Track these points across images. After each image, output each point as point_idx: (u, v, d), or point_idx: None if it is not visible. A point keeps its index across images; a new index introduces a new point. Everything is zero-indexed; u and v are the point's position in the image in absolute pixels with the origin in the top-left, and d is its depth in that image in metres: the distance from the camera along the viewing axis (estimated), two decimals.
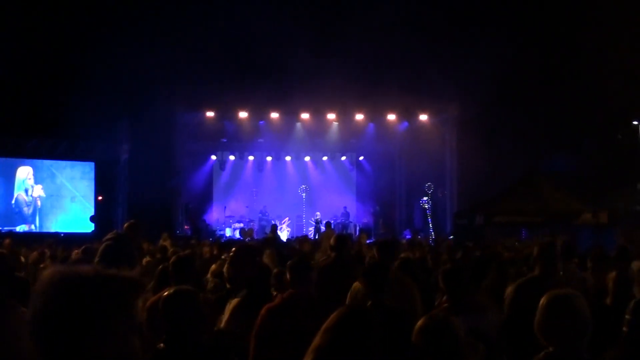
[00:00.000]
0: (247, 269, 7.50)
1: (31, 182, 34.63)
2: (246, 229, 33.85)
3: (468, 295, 7.60)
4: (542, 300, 4.75)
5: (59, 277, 2.59)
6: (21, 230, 33.32)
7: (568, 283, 7.57)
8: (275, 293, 9.17)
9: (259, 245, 15.94)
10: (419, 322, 4.29)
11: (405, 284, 8.71)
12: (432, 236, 33.02)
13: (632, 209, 30.51)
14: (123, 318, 2.60)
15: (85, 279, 2.57)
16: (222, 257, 11.64)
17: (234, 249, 7.89)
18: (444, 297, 7.77)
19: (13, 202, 34.30)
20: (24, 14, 31.07)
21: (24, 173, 34.50)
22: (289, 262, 7.45)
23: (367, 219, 39.47)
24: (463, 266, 10.94)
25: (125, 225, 11.31)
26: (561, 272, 8.95)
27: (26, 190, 34.51)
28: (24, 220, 34.27)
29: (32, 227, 34.27)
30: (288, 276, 7.24)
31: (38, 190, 34.72)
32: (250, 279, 7.49)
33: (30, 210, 34.54)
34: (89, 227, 34.17)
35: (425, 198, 35.88)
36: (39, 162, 34.90)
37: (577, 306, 4.65)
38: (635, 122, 34.76)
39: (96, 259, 9.77)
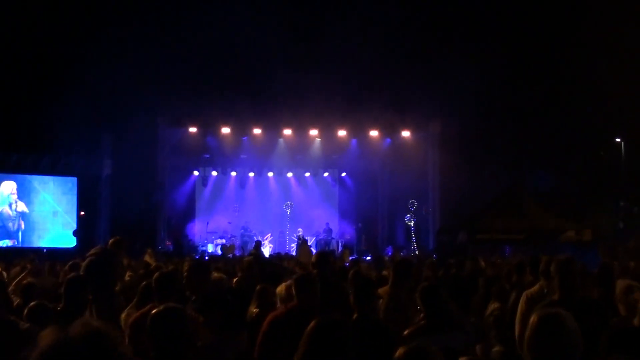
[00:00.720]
0: (201, 286, 7.43)
1: (15, 197, 34.44)
2: (227, 245, 33.77)
3: (445, 313, 7.59)
4: (532, 319, 4.72)
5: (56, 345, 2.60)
6: (4, 246, 33.10)
7: (590, 307, 7.46)
8: (255, 310, 9.15)
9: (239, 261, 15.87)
10: (399, 351, 4.26)
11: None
12: (415, 253, 33.03)
13: (616, 226, 30.65)
14: None
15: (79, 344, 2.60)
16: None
17: (186, 267, 7.88)
18: (421, 315, 7.74)
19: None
20: (5, 29, 30.97)
21: (8, 188, 34.32)
22: (295, 276, 7.52)
23: (349, 236, 39.43)
24: (445, 284, 10.93)
25: (110, 241, 11.27)
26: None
27: (10, 205, 34.31)
28: (8, 235, 34.06)
29: (15, 242, 34.05)
30: (293, 289, 7.38)
31: (21, 206, 34.52)
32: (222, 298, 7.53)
33: (15, 226, 34.34)
34: (72, 242, 34.02)
35: (409, 215, 35.88)
36: (21, 177, 34.75)
37: (568, 325, 4.62)
38: (618, 140, 34.93)
39: (81, 272, 9.71)
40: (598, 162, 35.27)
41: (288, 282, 8.73)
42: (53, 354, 2.57)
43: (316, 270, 10.10)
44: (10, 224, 34.27)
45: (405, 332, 7.53)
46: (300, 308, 7.13)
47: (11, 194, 34.37)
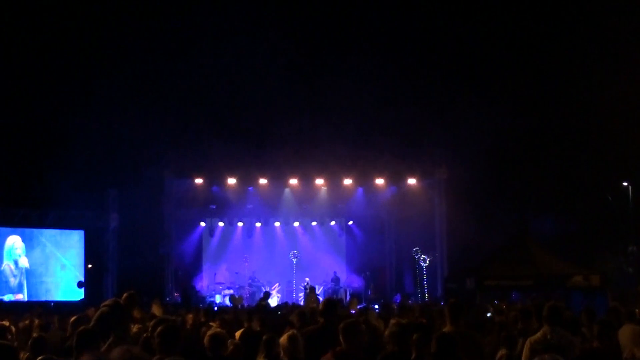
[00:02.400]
0: (172, 348, 7.36)
1: (19, 251, 34.36)
2: (236, 296, 33.66)
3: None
4: None
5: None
6: (8, 300, 32.98)
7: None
8: (260, 357, 9.17)
9: (248, 312, 15.84)
10: None
11: None
12: (426, 299, 32.95)
13: (624, 271, 30.53)
14: None
15: None
16: (210, 323, 11.54)
17: (158, 330, 7.81)
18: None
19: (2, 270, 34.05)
20: (10, 83, 31.19)
21: (11, 243, 34.24)
22: (341, 324, 7.77)
23: (357, 284, 39.26)
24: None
25: (124, 295, 11.27)
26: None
27: (15, 262, 34.23)
28: (10, 290, 33.93)
29: (20, 296, 33.91)
30: (340, 337, 7.61)
31: (24, 262, 34.42)
32: None
33: (17, 281, 34.22)
34: (79, 295, 33.95)
35: (424, 256, 35.78)
36: (28, 231, 34.72)
37: None
38: (625, 183, 34.84)
39: (92, 323, 9.71)
40: (606, 206, 35.17)
41: (289, 333, 8.72)
42: None
43: (323, 319, 10.08)
44: (12, 279, 34.14)
45: None
46: (345, 354, 7.46)
47: (15, 249, 34.30)
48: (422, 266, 35.99)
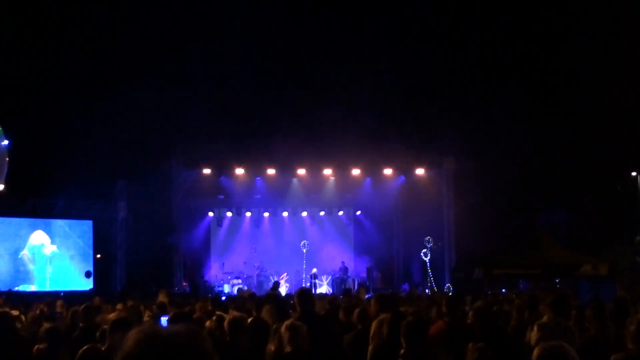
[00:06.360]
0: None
1: (41, 242, 34.48)
2: (244, 289, 33.71)
3: (427, 352, 7.55)
4: (535, 352, 4.77)
5: (145, 337, 2.59)
6: (23, 290, 33.03)
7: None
8: (272, 347, 9.19)
9: (260, 300, 15.88)
10: None
11: None
12: (434, 289, 32.95)
13: (633, 261, 30.49)
14: None
15: (171, 340, 2.58)
16: (217, 313, 11.55)
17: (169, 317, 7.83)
18: (402, 351, 7.71)
19: (19, 259, 34.13)
20: (18, 73, 31.22)
21: (39, 239, 34.40)
22: (404, 322, 7.62)
23: (365, 274, 39.26)
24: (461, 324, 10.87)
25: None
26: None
27: (34, 251, 34.33)
28: (25, 280, 34.00)
29: (32, 287, 33.97)
30: (403, 340, 7.55)
31: (48, 250, 34.59)
32: None
33: (34, 269, 34.36)
34: (87, 285, 34.04)
35: (425, 250, 35.74)
36: (37, 221, 34.81)
37: (570, 357, 4.67)
38: (634, 173, 34.74)
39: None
40: (614, 196, 35.11)
41: (288, 322, 8.75)
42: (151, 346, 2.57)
43: (300, 309, 10.14)
44: (31, 266, 34.28)
45: None
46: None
47: (39, 241, 34.44)
48: (425, 259, 35.92)
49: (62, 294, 31.16)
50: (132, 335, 2.62)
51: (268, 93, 33.55)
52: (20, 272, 34.04)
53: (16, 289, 32.53)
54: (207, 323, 11.36)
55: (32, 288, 33.56)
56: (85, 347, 7.75)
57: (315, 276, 36.75)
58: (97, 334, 9.44)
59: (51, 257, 34.80)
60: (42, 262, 34.60)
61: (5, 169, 21.83)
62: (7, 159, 21.87)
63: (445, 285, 34.56)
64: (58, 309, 17.19)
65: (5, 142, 21.62)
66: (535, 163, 33.96)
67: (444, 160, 36.01)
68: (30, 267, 34.36)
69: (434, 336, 10.55)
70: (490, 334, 10.69)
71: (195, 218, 39.37)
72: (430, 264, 35.81)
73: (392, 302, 11.32)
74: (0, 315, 11.22)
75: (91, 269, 35.17)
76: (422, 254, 36.04)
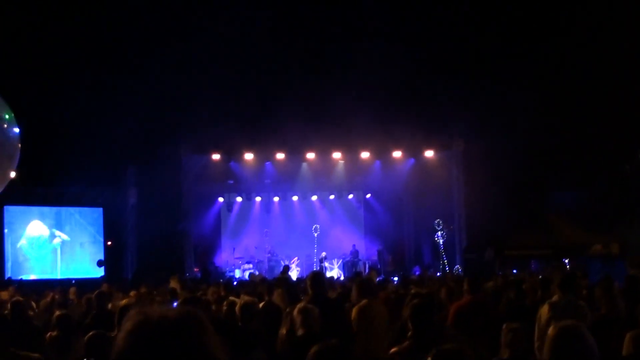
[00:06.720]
0: None
1: (39, 232, 34.55)
2: (256, 274, 33.75)
3: (435, 333, 7.47)
4: (551, 331, 4.76)
5: (133, 327, 2.58)
6: (34, 278, 33.09)
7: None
8: (283, 330, 9.23)
9: (271, 285, 15.93)
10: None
11: None
12: (448, 271, 33.02)
13: None
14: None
15: (171, 321, 2.58)
16: (230, 298, 11.57)
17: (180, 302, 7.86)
18: (409, 333, 7.66)
19: (17, 248, 34.20)
20: (28, 63, 31.22)
21: (37, 229, 34.49)
22: (410, 304, 7.65)
23: (376, 257, 39.28)
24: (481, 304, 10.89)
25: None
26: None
27: (32, 241, 34.41)
28: (24, 270, 34.03)
29: (32, 276, 33.93)
30: (409, 322, 7.53)
31: (55, 239, 34.71)
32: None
33: (33, 259, 34.41)
34: (99, 273, 34.14)
35: (439, 233, 35.77)
36: (46, 209, 34.92)
37: (585, 337, 4.66)
38: None
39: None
40: (623, 176, 34.99)
41: (299, 305, 8.75)
42: (150, 328, 2.56)
43: (311, 292, 10.16)
44: (36, 253, 34.37)
45: (391, 351, 7.53)
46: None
47: (39, 236, 34.52)
48: (439, 241, 35.94)
49: (73, 281, 31.28)
50: (124, 325, 2.62)
51: (276, 77, 33.43)
52: (19, 262, 34.06)
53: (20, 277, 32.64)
54: (214, 307, 11.41)
55: (32, 277, 33.56)
56: (92, 333, 7.77)
57: (324, 260, 36.81)
58: (115, 319, 9.44)
59: (58, 246, 34.89)
60: (41, 252, 34.65)
61: (17, 157, 21.77)
62: (19, 145, 21.80)
63: (454, 266, 34.61)
64: (71, 296, 17.30)
65: (17, 129, 21.52)
66: (545, 143, 33.81)
67: (454, 142, 35.96)
68: (29, 257, 34.39)
69: (458, 311, 10.64)
70: (513, 312, 10.74)
71: (205, 204, 39.45)
72: (442, 246, 35.86)
73: (371, 288, 11.39)
74: (13, 303, 11.31)
75: (102, 256, 35.25)
76: (436, 237, 36.08)
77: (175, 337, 2.53)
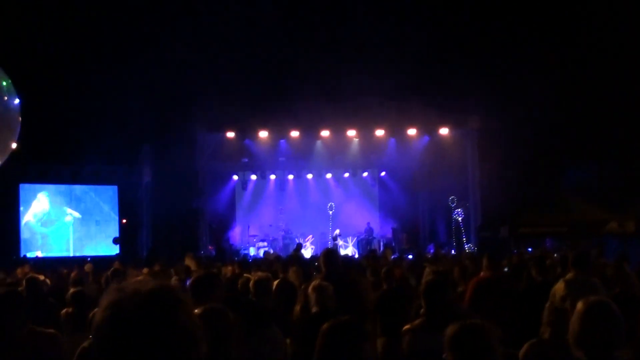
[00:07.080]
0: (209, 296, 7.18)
1: (42, 208, 34.63)
2: (271, 252, 33.81)
3: (448, 311, 7.33)
4: (580, 307, 4.72)
5: (107, 306, 2.61)
6: (33, 256, 33.08)
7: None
8: (298, 307, 9.22)
9: (285, 262, 15.93)
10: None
11: None
12: (466, 249, 33.05)
13: None
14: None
15: (150, 294, 2.61)
16: (245, 275, 11.57)
17: (190, 281, 7.83)
18: (422, 311, 7.60)
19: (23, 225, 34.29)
20: (44, 41, 31.23)
21: (40, 207, 34.59)
22: (423, 281, 7.70)
23: (390, 234, 39.27)
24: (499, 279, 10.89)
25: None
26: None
27: (38, 217, 34.51)
28: (30, 247, 34.10)
29: (37, 252, 34.00)
30: (422, 300, 7.50)
31: (70, 215, 34.85)
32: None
33: (40, 236, 34.52)
34: (114, 250, 34.27)
35: (458, 210, 35.74)
36: (62, 187, 35.02)
37: (615, 312, 4.64)
38: None
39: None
40: (639, 153, 34.83)
41: (314, 283, 8.73)
42: (126, 305, 2.58)
43: (325, 269, 10.14)
44: (37, 235, 34.47)
45: (404, 328, 7.49)
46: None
47: (42, 212, 34.62)
48: (458, 219, 35.90)
49: (89, 259, 31.39)
50: (101, 301, 2.65)
51: (291, 55, 33.36)
52: (25, 239, 34.15)
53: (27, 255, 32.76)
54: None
55: (38, 254, 33.63)
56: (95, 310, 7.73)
57: (337, 237, 36.81)
58: None
59: (70, 224, 35.02)
60: (50, 229, 34.77)
61: (18, 128, 21.63)
62: (20, 118, 21.66)
63: (467, 244, 34.64)
64: (87, 271, 17.37)
65: (17, 100, 21.38)
66: (560, 120, 33.66)
67: (469, 119, 35.82)
68: (37, 232, 34.50)
69: (477, 286, 10.62)
70: (534, 289, 10.70)
71: (220, 181, 39.49)
72: (463, 224, 35.84)
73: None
74: (28, 280, 11.35)
75: (117, 234, 35.38)
76: (455, 213, 36.04)
77: (148, 311, 2.56)
